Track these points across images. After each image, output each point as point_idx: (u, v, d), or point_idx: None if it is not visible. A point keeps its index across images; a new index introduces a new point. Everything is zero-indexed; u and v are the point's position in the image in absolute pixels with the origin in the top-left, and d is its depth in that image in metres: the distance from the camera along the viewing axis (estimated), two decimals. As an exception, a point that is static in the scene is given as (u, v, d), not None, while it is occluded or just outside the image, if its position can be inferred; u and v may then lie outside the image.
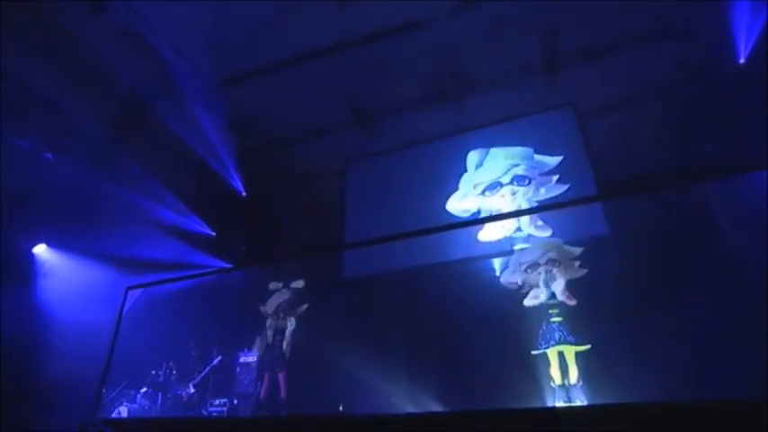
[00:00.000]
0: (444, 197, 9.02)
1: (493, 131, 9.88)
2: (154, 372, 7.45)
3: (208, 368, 7.50)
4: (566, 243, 5.66)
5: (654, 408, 3.83)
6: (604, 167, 8.72)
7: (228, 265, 9.31)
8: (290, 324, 6.92)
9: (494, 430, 4.08)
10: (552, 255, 5.35)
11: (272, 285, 7.41)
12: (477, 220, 7.40)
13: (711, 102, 9.31)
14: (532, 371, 4.62)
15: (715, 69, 8.80)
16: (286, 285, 7.50)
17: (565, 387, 4.46)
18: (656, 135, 10.20)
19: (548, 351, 4.78)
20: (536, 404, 4.43)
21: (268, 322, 7.11)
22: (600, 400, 4.28)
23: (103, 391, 7.01)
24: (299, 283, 7.20)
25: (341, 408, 5.86)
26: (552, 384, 4.58)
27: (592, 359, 4.48)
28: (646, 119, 10.22)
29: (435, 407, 4.58)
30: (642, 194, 5.56)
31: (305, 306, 7.15)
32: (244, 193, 10.81)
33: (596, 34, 9.32)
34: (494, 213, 7.89)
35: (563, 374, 4.56)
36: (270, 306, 7.26)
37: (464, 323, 5.12)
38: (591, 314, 4.75)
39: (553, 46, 9.64)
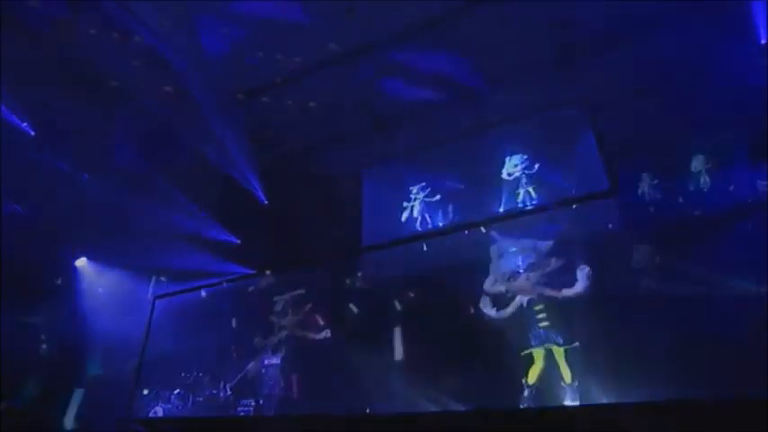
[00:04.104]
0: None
1: (508, 130, 9.83)
2: (184, 374, 7.95)
3: (241, 374, 7.86)
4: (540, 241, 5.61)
5: (645, 407, 3.84)
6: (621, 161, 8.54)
7: (252, 272, 9.73)
8: (303, 327, 7.23)
9: (491, 428, 4.19)
10: (531, 259, 5.34)
11: (290, 294, 7.75)
12: (485, 221, 7.44)
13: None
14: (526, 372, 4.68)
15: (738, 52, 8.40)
16: (307, 291, 7.83)
17: (533, 388, 4.50)
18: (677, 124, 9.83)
19: (533, 352, 4.82)
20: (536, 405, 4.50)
21: (281, 327, 7.45)
22: (591, 400, 4.29)
23: (145, 392, 7.56)
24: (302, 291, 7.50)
25: (367, 409, 6.07)
26: (524, 382, 4.63)
27: (582, 359, 4.49)
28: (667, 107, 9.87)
29: (434, 407, 4.72)
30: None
31: (317, 309, 7.44)
32: (266, 201, 11.24)
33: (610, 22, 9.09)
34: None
35: (544, 375, 4.60)
36: (281, 313, 7.61)
37: (467, 325, 5.24)
38: (579, 314, 4.75)
39: (566, 38, 9.46)
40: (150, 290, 7.29)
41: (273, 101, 11.48)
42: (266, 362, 7.80)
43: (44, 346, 7.30)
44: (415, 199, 9.86)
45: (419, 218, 9.50)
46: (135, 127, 10.80)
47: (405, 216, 9.41)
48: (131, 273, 9.07)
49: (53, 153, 9.34)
